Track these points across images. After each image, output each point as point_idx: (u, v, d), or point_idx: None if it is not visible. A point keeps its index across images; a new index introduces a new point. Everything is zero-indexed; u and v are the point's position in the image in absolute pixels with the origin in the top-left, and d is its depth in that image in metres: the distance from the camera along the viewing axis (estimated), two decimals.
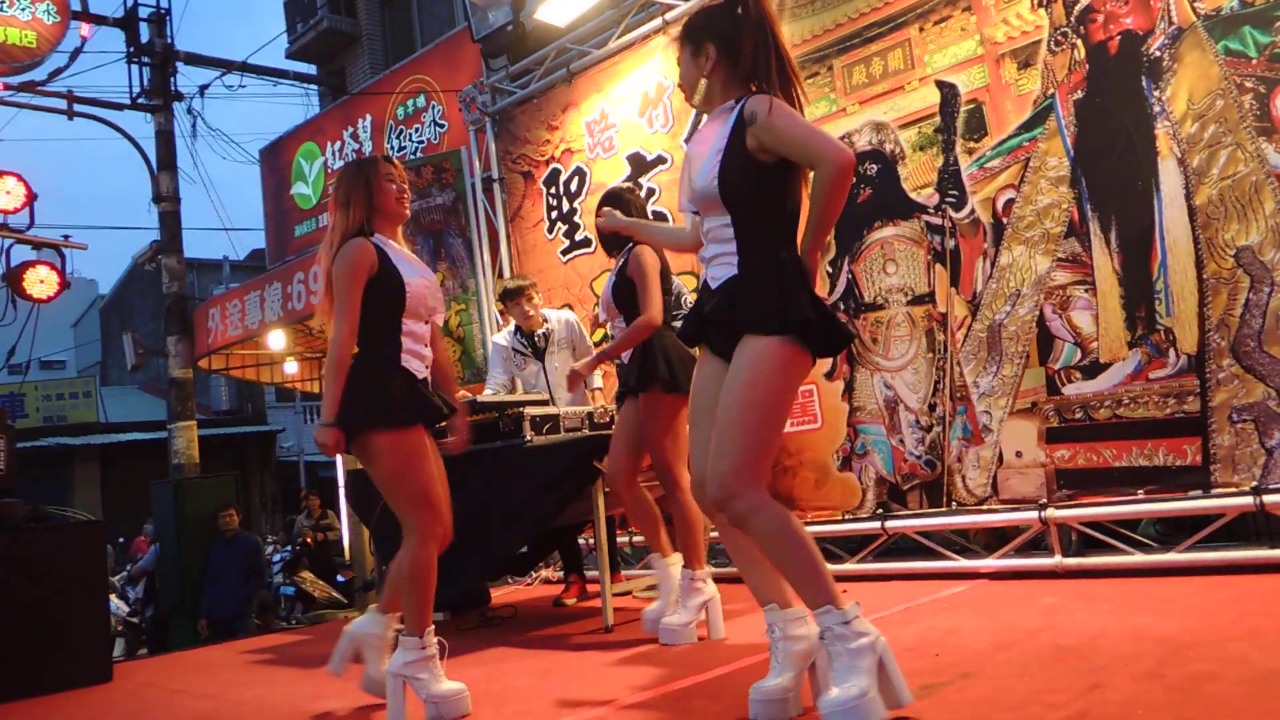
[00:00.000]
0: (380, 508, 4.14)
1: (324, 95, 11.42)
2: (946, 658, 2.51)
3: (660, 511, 3.53)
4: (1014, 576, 3.65)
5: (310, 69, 11.61)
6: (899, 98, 4.12)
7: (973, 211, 3.88)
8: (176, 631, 7.82)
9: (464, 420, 2.98)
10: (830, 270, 4.34)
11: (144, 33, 9.19)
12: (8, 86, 8.23)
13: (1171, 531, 3.69)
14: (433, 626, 2.63)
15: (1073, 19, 3.63)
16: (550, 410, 3.93)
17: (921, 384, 4.01)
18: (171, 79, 9.30)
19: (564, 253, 5.59)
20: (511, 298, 4.56)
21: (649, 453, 3.36)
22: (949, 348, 3.93)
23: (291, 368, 10.71)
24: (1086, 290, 3.57)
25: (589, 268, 5.35)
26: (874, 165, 4.20)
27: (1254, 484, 3.16)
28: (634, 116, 5.21)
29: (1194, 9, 3.34)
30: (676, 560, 3.35)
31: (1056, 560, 3.55)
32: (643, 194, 5.10)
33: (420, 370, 2.70)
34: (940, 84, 3.99)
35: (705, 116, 2.23)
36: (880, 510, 4.11)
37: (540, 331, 4.59)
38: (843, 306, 4.30)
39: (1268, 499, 3.11)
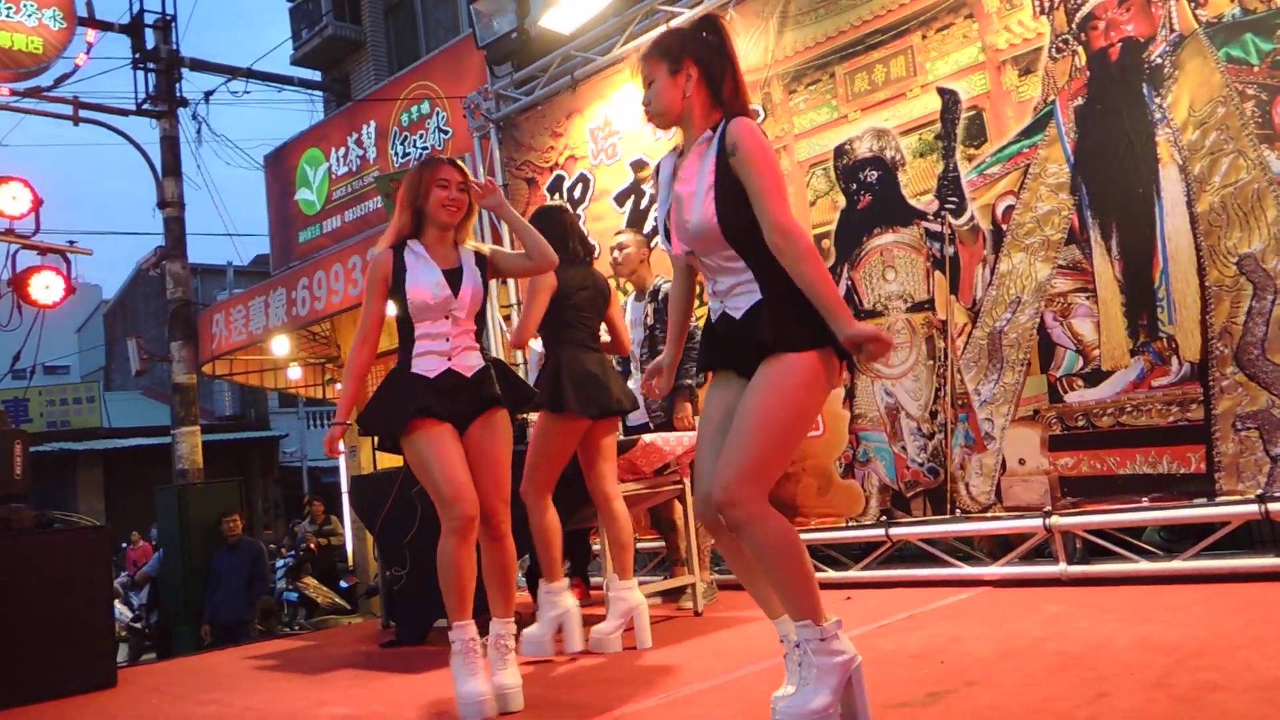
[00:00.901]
0: (384, 513, 4.17)
1: (328, 102, 11.46)
2: (952, 665, 2.51)
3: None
4: (1018, 584, 3.65)
5: (315, 75, 11.65)
6: (900, 104, 4.13)
7: (972, 218, 3.89)
8: (180, 637, 7.82)
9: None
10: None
11: (149, 39, 9.24)
12: (14, 92, 8.27)
13: (1176, 539, 3.69)
14: (467, 623, 2.63)
15: (1074, 26, 3.63)
16: None
17: (922, 391, 4.01)
18: (177, 85, 9.34)
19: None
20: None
21: (525, 467, 3.37)
22: (949, 355, 3.93)
23: (295, 373, 10.73)
24: (1088, 297, 3.57)
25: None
26: (874, 172, 4.21)
27: (1259, 492, 3.16)
28: (637, 123, 5.22)
29: (1195, 16, 3.35)
30: (561, 587, 3.41)
31: (1061, 568, 3.54)
32: (644, 201, 5.12)
33: (436, 369, 2.71)
34: (941, 91, 4.00)
35: (665, 159, 2.21)
36: (884, 517, 4.11)
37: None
38: None
39: (1273, 507, 3.11)
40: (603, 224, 5.29)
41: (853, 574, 4.19)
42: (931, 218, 4.02)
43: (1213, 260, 3.28)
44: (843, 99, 4.33)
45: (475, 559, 2.66)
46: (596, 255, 4.20)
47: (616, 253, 4.27)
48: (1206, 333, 3.29)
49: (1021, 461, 3.72)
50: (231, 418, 18.69)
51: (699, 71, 2.11)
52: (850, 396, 4.27)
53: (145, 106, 9.21)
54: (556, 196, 5.69)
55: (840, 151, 4.33)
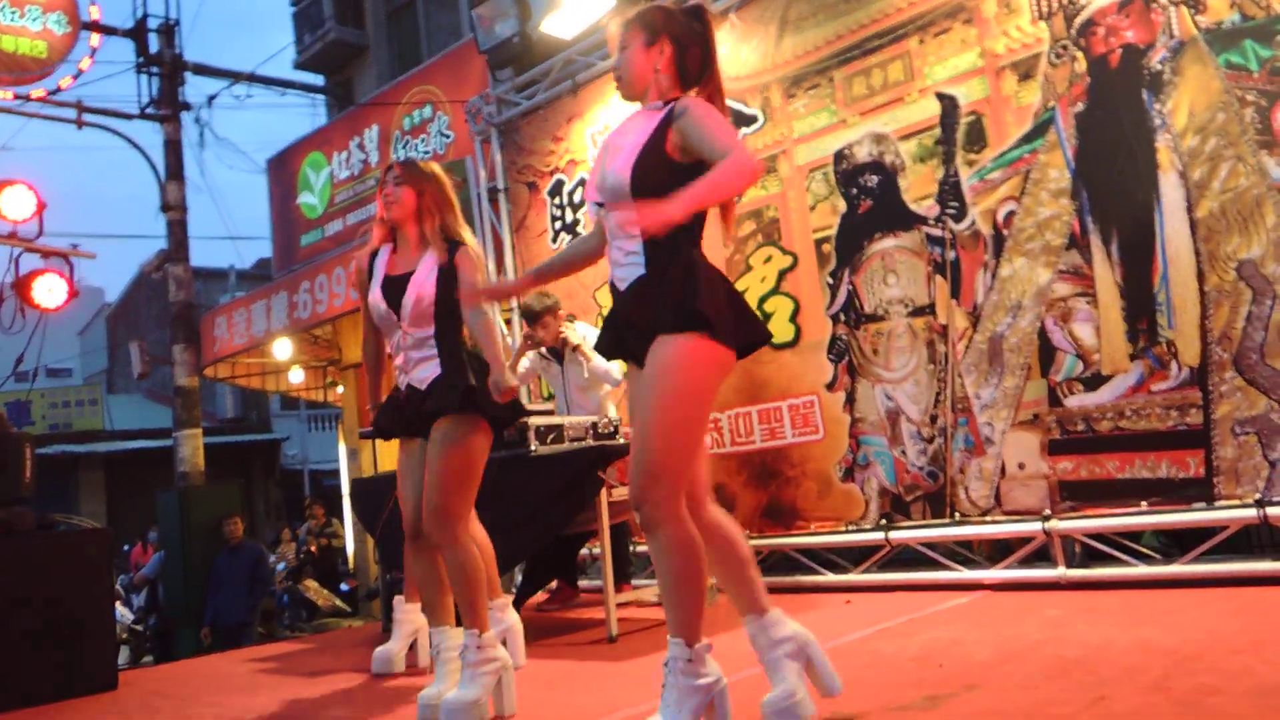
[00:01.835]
0: (385, 516, 4.17)
1: (331, 105, 11.49)
2: (950, 669, 2.51)
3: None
4: (1017, 588, 3.65)
5: (318, 79, 11.68)
6: (899, 109, 4.14)
7: (973, 223, 3.90)
8: (181, 639, 7.83)
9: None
10: (831, 281, 4.36)
11: (153, 43, 9.27)
12: (18, 96, 8.30)
13: (1174, 544, 3.69)
14: (434, 629, 2.72)
15: (1073, 31, 3.65)
16: (554, 420, 3.95)
17: (923, 395, 4.02)
18: (180, 89, 9.36)
19: None
20: (535, 319, 4.55)
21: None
22: (950, 359, 3.94)
23: (297, 376, 10.75)
24: (1088, 302, 3.58)
25: (592, 278, 5.36)
26: (874, 177, 4.22)
27: (1257, 496, 3.16)
28: None
29: (1195, 22, 3.36)
30: (415, 606, 3.41)
31: (1060, 572, 3.55)
32: None
33: (399, 381, 2.72)
34: (940, 96, 4.01)
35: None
36: (883, 521, 4.11)
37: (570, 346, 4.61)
38: (843, 318, 4.31)
39: (1271, 511, 3.11)
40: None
41: (852, 577, 4.19)
42: (932, 222, 4.03)
43: (1212, 265, 3.29)
44: (841, 103, 4.35)
45: (437, 570, 2.67)
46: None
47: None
48: (1206, 338, 3.30)
49: (1021, 465, 3.72)
50: (233, 420, 18.70)
51: (672, 50, 2.09)
52: (850, 400, 4.27)
53: (149, 110, 9.24)
54: (556, 200, 5.71)
55: (840, 156, 4.34)
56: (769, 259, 4.60)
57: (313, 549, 9.61)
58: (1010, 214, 3.79)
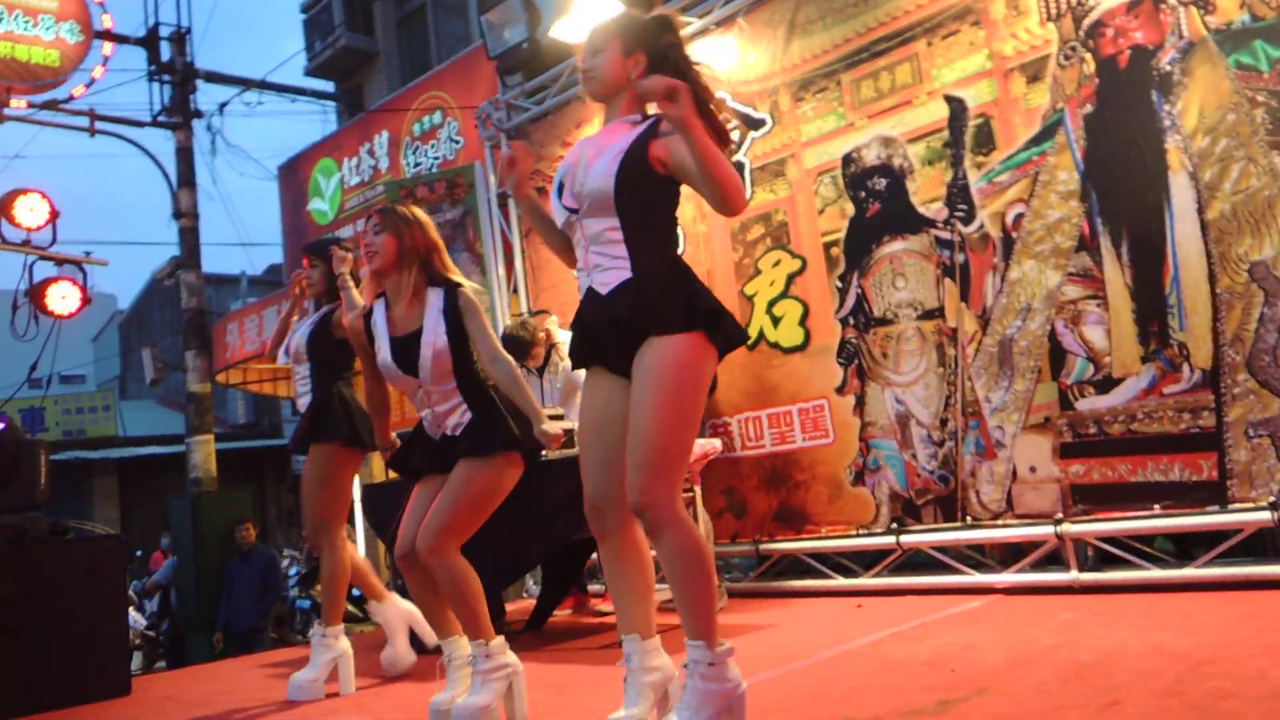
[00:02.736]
0: (396, 522, 4.18)
1: (341, 112, 11.54)
2: (963, 673, 2.50)
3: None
4: (1030, 592, 3.63)
5: (328, 86, 11.74)
6: (907, 112, 4.14)
7: (982, 226, 3.89)
8: (194, 645, 7.86)
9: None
10: (840, 285, 4.36)
11: (165, 51, 9.34)
12: (31, 104, 8.37)
13: (1188, 547, 3.67)
14: (444, 640, 2.73)
15: (1082, 33, 3.64)
16: (566, 425, 3.95)
17: (933, 399, 4.01)
18: (191, 97, 9.44)
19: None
20: (524, 352, 4.56)
21: (315, 505, 3.42)
22: (959, 363, 3.93)
23: None
24: (1098, 305, 3.57)
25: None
26: (882, 180, 4.22)
27: (1271, 499, 3.14)
28: None
29: (1205, 23, 3.35)
30: (337, 631, 3.43)
31: (1073, 575, 3.53)
32: None
33: (426, 424, 2.73)
34: (949, 98, 4.01)
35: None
36: (894, 525, 4.10)
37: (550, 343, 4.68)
38: (852, 322, 4.31)
39: None
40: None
41: (863, 582, 4.18)
42: (941, 225, 4.02)
43: (1223, 267, 3.28)
44: (849, 106, 4.34)
45: (433, 584, 2.65)
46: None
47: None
48: (1218, 340, 3.28)
49: (1032, 469, 3.71)
50: (245, 426, 18.78)
51: (646, 66, 2.10)
52: (860, 404, 4.27)
53: (160, 118, 9.31)
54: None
55: (848, 159, 4.34)
56: (778, 263, 4.60)
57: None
58: (1019, 216, 3.78)
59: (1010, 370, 3.78)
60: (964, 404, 3.91)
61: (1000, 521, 3.79)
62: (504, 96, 6.19)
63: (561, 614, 4.69)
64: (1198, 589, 3.23)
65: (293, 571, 9.67)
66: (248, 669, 4.34)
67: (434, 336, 2.60)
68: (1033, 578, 3.69)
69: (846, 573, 4.31)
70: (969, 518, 3.88)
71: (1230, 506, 3.23)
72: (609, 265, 2.03)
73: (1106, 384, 3.54)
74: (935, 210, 4.03)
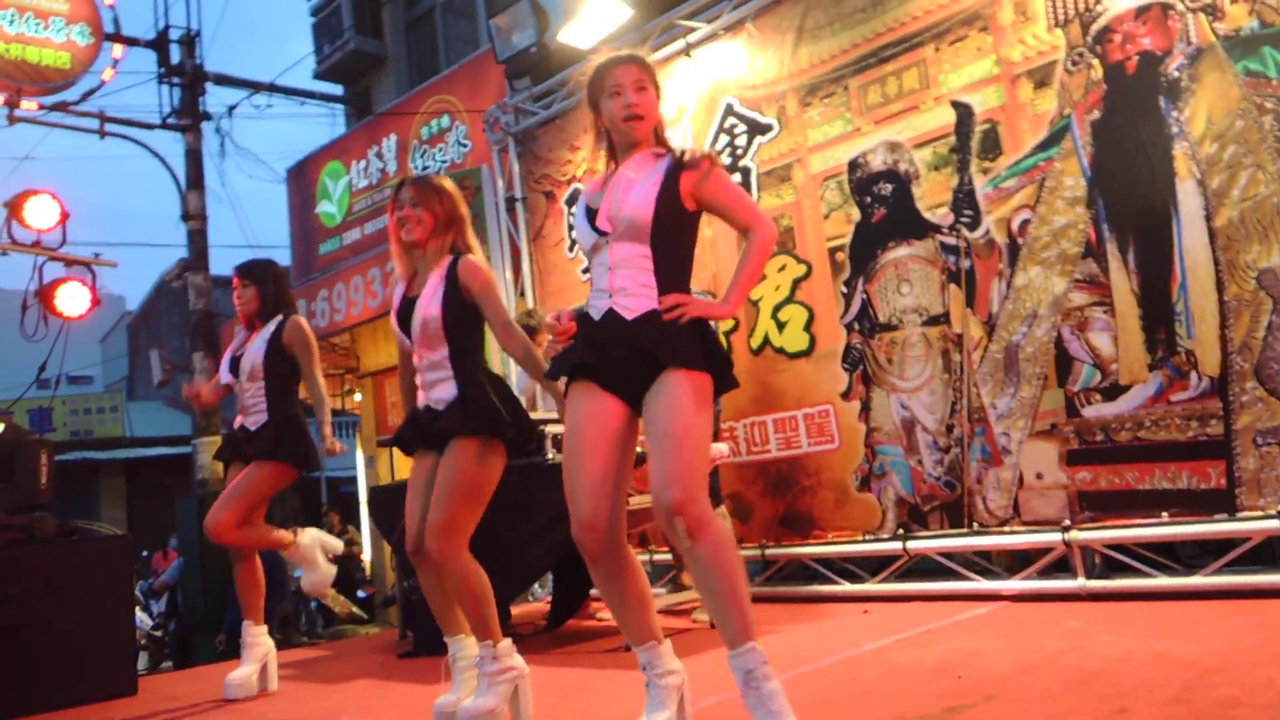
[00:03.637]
0: (400, 524, 4.20)
1: (349, 115, 11.57)
2: (969, 680, 2.50)
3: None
4: (1037, 599, 3.63)
5: (337, 89, 11.77)
6: (914, 117, 4.14)
7: (988, 232, 3.88)
8: (200, 646, 7.88)
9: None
10: (845, 290, 4.36)
11: (174, 54, 9.39)
12: (42, 106, 8.42)
13: (1196, 555, 3.66)
14: (449, 639, 2.74)
15: (1089, 39, 3.63)
16: None
17: (938, 405, 4.01)
18: (201, 99, 9.48)
19: (584, 271, 5.63)
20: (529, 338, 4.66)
21: (240, 509, 3.49)
22: (965, 369, 3.93)
23: None
24: (1105, 311, 3.56)
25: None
26: (888, 185, 4.22)
27: (1279, 508, 3.13)
28: None
29: (1213, 29, 3.34)
30: (263, 630, 3.62)
31: (1080, 583, 3.52)
32: None
33: (425, 403, 2.71)
34: (955, 104, 4.01)
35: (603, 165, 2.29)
36: (901, 531, 4.09)
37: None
38: (857, 327, 4.31)
39: None
40: None
41: (870, 588, 4.17)
42: (946, 231, 4.02)
43: (1231, 274, 3.27)
44: (856, 112, 4.35)
45: (443, 583, 2.67)
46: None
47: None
48: (1226, 347, 3.27)
49: (1039, 476, 3.70)
50: None
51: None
52: (866, 409, 4.26)
53: (170, 120, 9.35)
54: (573, 210, 5.73)
55: (854, 165, 4.34)
56: (783, 268, 4.61)
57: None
58: (1025, 222, 3.78)
59: (1016, 377, 3.77)
60: (970, 410, 3.91)
61: (1007, 528, 3.78)
62: (512, 100, 6.21)
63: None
64: (1205, 597, 3.22)
65: (297, 574, 9.68)
66: None
67: (428, 301, 2.64)
68: (1040, 585, 3.68)
69: (853, 578, 4.30)
70: (975, 524, 3.87)
71: (1238, 515, 3.22)
72: (636, 291, 2.12)
73: (1113, 391, 3.54)
74: (941, 216, 4.03)
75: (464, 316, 2.65)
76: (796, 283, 4.55)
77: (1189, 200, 3.36)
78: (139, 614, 8.39)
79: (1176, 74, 3.42)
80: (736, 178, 4.70)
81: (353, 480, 13.89)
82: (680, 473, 1.97)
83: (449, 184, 2.79)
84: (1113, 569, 3.56)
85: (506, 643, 2.58)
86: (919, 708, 2.28)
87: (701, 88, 5.01)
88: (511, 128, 6.14)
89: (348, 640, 6.32)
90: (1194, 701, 2.07)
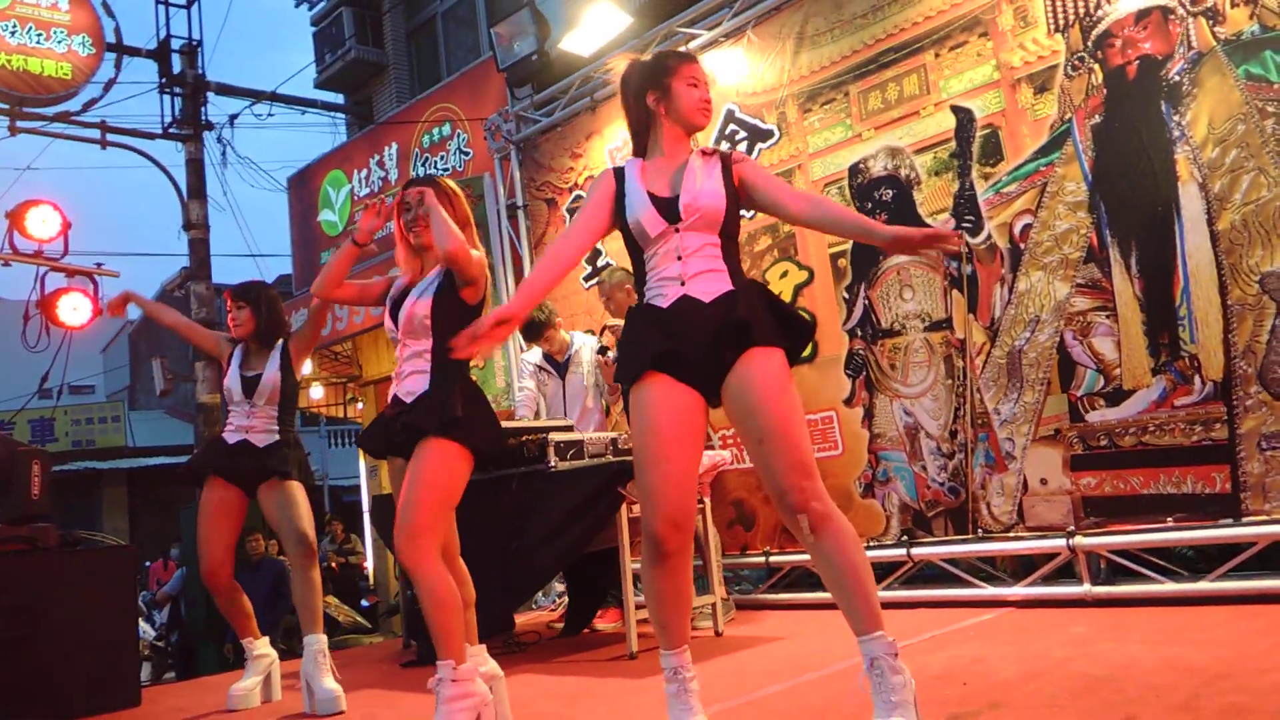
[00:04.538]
0: None
1: (351, 124, 11.60)
2: (975, 686, 2.49)
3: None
4: (1042, 605, 3.61)
5: (338, 98, 11.81)
6: (914, 123, 4.14)
7: (989, 237, 3.88)
8: (203, 656, 7.86)
9: None
10: (847, 296, 4.35)
11: (176, 64, 9.42)
12: (44, 117, 8.45)
13: (1201, 560, 3.64)
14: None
15: (1090, 44, 3.64)
16: (574, 436, 3.95)
17: (941, 411, 4.00)
18: (202, 109, 9.51)
19: (586, 279, 5.63)
20: (538, 333, 4.66)
21: (230, 538, 3.83)
22: (968, 374, 3.92)
23: (317, 393, 10.82)
24: (1108, 316, 3.56)
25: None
26: (889, 191, 4.22)
27: None
28: None
29: (1214, 33, 3.35)
30: (264, 643, 3.77)
31: (1085, 588, 3.51)
32: None
33: (393, 393, 2.65)
34: (956, 109, 4.01)
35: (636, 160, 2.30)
36: (905, 537, 4.08)
37: (568, 354, 4.71)
38: (859, 333, 4.30)
39: None
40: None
41: None
42: None
43: (1234, 279, 3.26)
44: (856, 118, 4.35)
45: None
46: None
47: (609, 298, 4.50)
48: (1229, 352, 3.27)
49: (1043, 481, 3.69)
50: None
51: None
52: (869, 416, 4.26)
53: (171, 130, 9.39)
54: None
55: (855, 170, 4.35)
56: (785, 274, 4.61)
57: (333, 565, 9.63)
58: (1027, 227, 3.77)
59: (1019, 382, 3.77)
60: (973, 416, 3.90)
61: (1012, 534, 3.77)
62: (513, 108, 6.22)
63: (607, 626, 4.56)
64: (1212, 603, 3.20)
65: None
66: None
67: (419, 294, 2.63)
68: (1045, 591, 3.67)
69: None
70: (980, 530, 3.86)
71: (1244, 519, 3.21)
72: (712, 277, 2.13)
73: (1117, 396, 3.53)
74: (942, 221, 4.03)
75: (454, 313, 2.58)
76: (798, 289, 4.55)
77: (1191, 204, 3.36)
78: (142, 624, 8.38)
79: (1177, 78, 3.42)
80: None
81: (355, 489, 13.90)
82: (799, 470, 2.00)
83: (455, 186, 2.79)
84: (1118, 574, 3.55)
85: (469, 665, 2.39)
86: (924, 715, 2.26)
87: None
88: (513, 135, 6.15)
89: (351, 650, 6.31)
90: (1201, 708, 2.06)
